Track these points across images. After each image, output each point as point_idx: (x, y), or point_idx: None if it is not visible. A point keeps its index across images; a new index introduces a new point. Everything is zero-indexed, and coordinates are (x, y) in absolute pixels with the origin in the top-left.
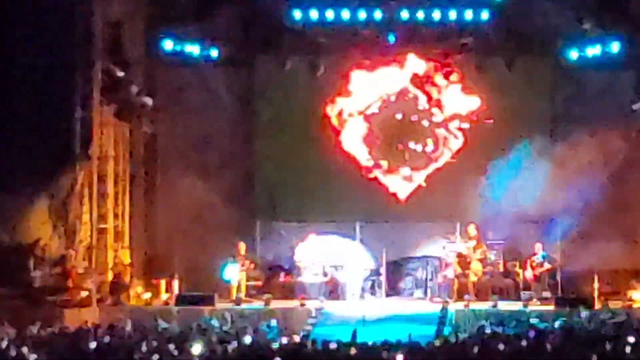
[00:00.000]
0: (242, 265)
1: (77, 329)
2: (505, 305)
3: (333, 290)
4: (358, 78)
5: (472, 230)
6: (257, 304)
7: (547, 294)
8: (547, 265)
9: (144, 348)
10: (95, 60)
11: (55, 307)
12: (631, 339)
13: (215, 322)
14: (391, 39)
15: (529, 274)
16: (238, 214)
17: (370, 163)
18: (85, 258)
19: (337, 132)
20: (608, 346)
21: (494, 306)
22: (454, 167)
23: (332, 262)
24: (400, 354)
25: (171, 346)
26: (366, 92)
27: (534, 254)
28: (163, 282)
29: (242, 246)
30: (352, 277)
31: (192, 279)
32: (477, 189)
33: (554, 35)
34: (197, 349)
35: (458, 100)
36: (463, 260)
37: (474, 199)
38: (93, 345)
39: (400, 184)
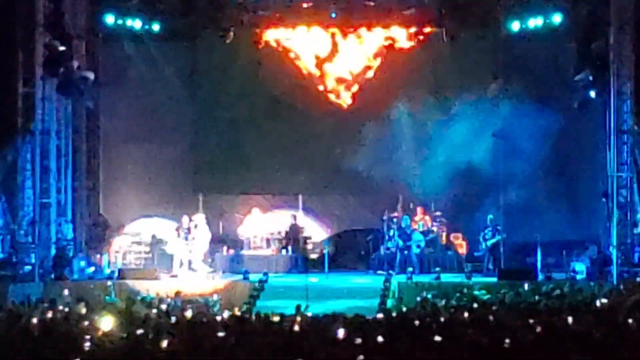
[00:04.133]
0: (185, 240)
1: (19, 303)
2: (448, 278)
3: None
4: None
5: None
6: (200, 278)
7: (490, 265)
8: (498, 237)
9: (86, 323)
10: (36, 35)
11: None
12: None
13: (156, 296)
14: (332, 13)
15: (483, 246)
16: (181, 188)
17: None
18: (28, 233)
19: None
20: (552, 318)
21: (437, 278)
22: (395, 140)
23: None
24: (342, 328)
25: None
26: None
27: (486, 227)
28: (106, 257)
29: (185, 220)
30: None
31: (136, 253)
32: (420, 161)
33: (496, 7)
34: (106, 323)
35: None
36: (404, 233)
37: (417, 172)
38: (35, 320)
39: None
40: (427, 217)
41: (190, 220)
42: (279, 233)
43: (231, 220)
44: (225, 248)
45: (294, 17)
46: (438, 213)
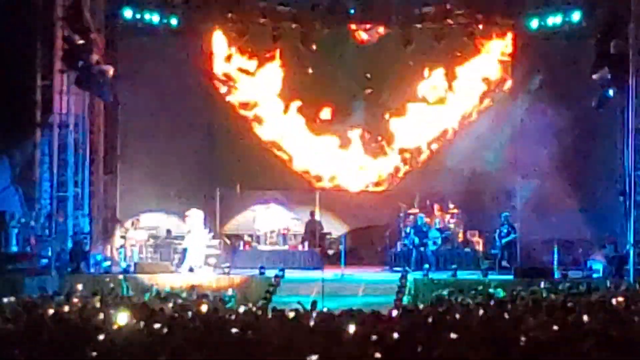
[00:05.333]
0: (201, 233)
1: (36, 297)
2: (464, 275)
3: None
4: None
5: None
6: (216, 272)
7: (505, 263)
8: (513, 235)
9: (101, 316)
10: (55, 28)
11: (16, 274)
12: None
13: (170, 290)
14: (351, 10)
15: (497, 244)
16: (198, 182)
17: None
18: (45, 226)
19: None
20: (567, 316)
21: (453, 275)
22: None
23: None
24: (352, 325)
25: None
26: None
27: (502, 224)
28: (122, 250)
29: (201, 214)
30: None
31: (152, 247)
32: (438, 159)
33: (515, 4)
34: (122, 318)
35: None
36: (421, 230)
37: (435, 169)
38: (51, 312)
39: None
40: (444, 214)
41: (186, 216)
42: (296, 228)
43: (248, 215)
44: (241, 242)
45: (311, 13)
46: (455, 210)
